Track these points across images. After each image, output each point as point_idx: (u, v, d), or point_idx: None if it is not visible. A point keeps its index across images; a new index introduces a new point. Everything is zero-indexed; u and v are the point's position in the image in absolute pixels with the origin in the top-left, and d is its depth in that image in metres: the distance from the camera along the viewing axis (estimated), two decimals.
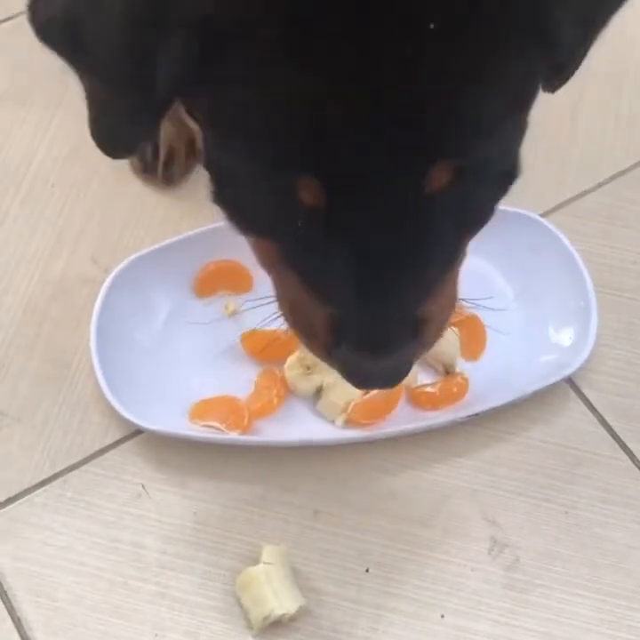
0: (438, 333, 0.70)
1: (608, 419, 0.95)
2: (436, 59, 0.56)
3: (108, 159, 1.04)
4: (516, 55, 0.58)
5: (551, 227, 0.99)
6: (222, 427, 0.90)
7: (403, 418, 0.93)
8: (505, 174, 0.67)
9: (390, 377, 0.68)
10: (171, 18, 0.57)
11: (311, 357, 0.92)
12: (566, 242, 0.98)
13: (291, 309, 0.70)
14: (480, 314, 0.97)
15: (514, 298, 0.99)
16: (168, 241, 0.98)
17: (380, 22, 0.55)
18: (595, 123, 1.11)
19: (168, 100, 0.61)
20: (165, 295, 0.97)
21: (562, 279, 0.98)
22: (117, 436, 0.92)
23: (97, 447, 0.91)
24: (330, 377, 0.92)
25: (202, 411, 0.92)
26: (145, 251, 0.97)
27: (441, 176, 0.59)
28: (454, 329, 0.95)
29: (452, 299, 0.70)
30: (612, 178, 1.08)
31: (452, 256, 0.67)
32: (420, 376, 0.95)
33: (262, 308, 0.96)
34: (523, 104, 0.62)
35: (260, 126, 0.58)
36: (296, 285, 0.66)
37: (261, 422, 0.92)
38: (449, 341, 0.95)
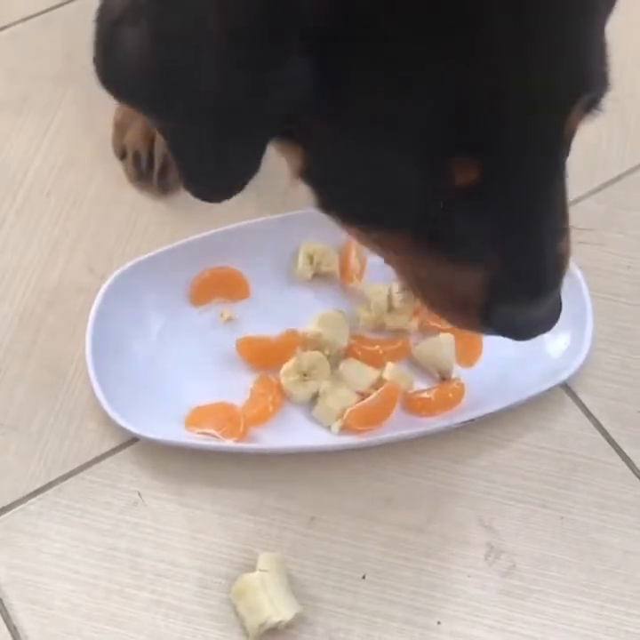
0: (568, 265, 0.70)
1: (604, 423, 0.95)
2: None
3: (103, 167, 1.06)
4: None
5: None
6: (218, 434, 0.90)
7: (398, 424, 0.93)
8: None
9: (553, 316, 0.69)
10: (283, 27, 0.53)
11: (307, 363, 0.93)
12: None
13: (433, 290, 0.69)
14: None
15: None
16: (163, 248, 0.98)
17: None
18: (588, 129, 1.10)
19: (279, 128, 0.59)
20: (161, 303, 0.97)
21: None
22: (113, 444, 0.92)
23: (93, 455, 0.91)
24: (325, 383, 0.92)
25: (197, 418, 0.92)
26: (140, 258, 0.97)
27: (580, 113, 0.63)
28: (450, 334, 0.95)
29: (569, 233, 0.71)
30: (606, 184, 1.08)
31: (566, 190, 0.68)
32: (415, 382, 0.95)
33: (258, 314, 0.98)
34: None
35: (411, 115, 0.56)
36: (436, 264, 0.65)
37: (257, 429, 0.92)
38: (444, 347, 0.95)
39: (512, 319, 0.68)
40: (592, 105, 0.64)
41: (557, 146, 0.64)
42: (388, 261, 0.71)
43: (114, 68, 0.60)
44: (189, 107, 0.57)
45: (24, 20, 1.13)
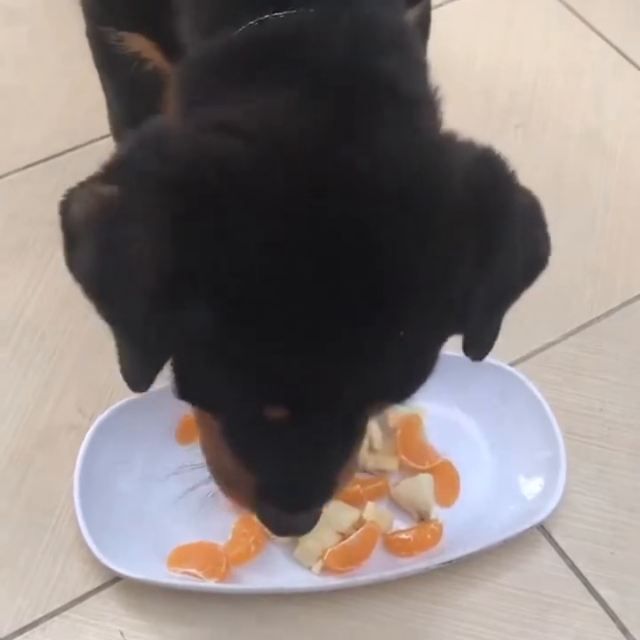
0: (341, 490, 0.82)
1: (579, 565, 0.96)
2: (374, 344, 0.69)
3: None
4: (438, 326, 0.73)
5: (520, 376, 1.03)
6: (200, 574, 0.92)
7: (379, 564, 0.95)
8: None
9: (305, 527, 0.82)
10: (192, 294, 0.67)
11: None
12: (535, 390, 1.02)
13: (221, 472, 0.82)
14: (453, 461, 1.00)
15: (485, 445, 1.02)
16: (151, 389, 1.01)
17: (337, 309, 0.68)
18: (561, 275, 1.16)
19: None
20: (147, 442, 0.99)
21: (531, 427, 1.01)
22: (97, 583, 0.93)
23: (77, 594, 0.92)
24: None
25: (180, 557, 0.93)
26: (129, 398, 1.00)
27: (375, 409, 0.76)
28: (429, 475, 0.98)
29: (355, 465, 0.83)
30: (578, 329, 1.13)
31: (357, 442, 0.79)
32: (395, 521, 0.97)
33: None
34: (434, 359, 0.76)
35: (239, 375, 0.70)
36: (229, 455, 0.78)
37: (239, 569, 0.93)
38: (423, 487, 0.98)
39: (275, 518, 0.80)
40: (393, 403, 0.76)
41: (350, 420, 0.75)
42: (201, 436, 0.83)
43: (72, 262, 0.73)
44: (112, 316, 0.72)
45: (25, 168, 1.19)
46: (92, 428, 0.97)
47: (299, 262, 0.66)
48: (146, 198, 0.67)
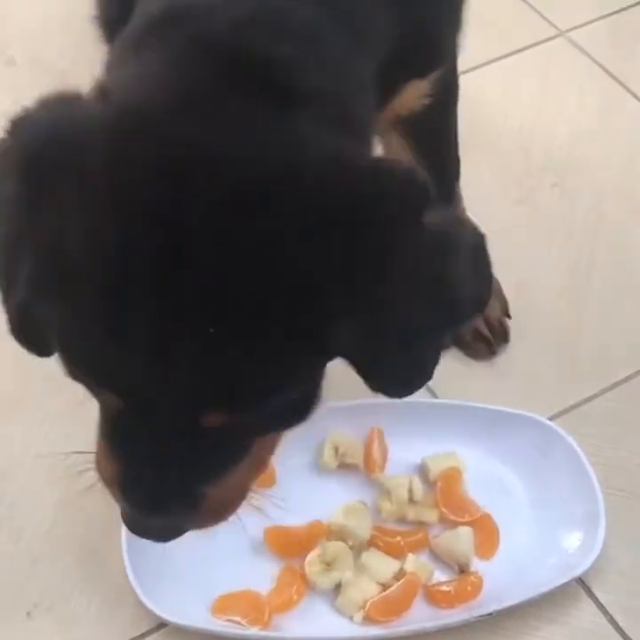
0: (217, 515, 0.79)
1: (618, 619, 0.97)
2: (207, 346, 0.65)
3: None
4: (287, 351, 0.67)
5: (559, 430, 1.05)
6: (244, 621, 0.94)
7: (419, 615, 0.96)
8: (290, 413, 0.75)
9: (158, 534, 0.78)
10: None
11: (331, 554, 0.97)
12: (574, 444, 1.03)
13: (98, 460, 0.78)
14: (493, 513, 1.01)
15: (525, 498, 1.03)
16: None
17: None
18: (601, 330, 1.18)
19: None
20: None
21: (571, 481, 1.02)
22: (143, 629, 0.95)
23: (125, 638, 0.94)
24: (348, 573, 0.96)
25: (224, 605, 0.95)
26: None
27: (213, 420, 0.69)
28: (468, 528, 0.99)
29: (235, 490, 0.79)
30: (618, 383, 1.14)
31: (240, 450, 0.75)
32: (435, 573, 0.98)
33: (285, 503, 1.02)
34: (294, 385, 0.71)
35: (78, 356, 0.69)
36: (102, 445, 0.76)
37: (281, 617, 0.95)
38: (463, 540, 0.99)
39: (132, 516, 0.76)
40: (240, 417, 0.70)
41: (191, 426, 0.70)
42: None
43: None
44: None
45: None
46: None
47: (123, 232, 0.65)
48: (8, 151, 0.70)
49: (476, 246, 0.75)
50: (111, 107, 0.69)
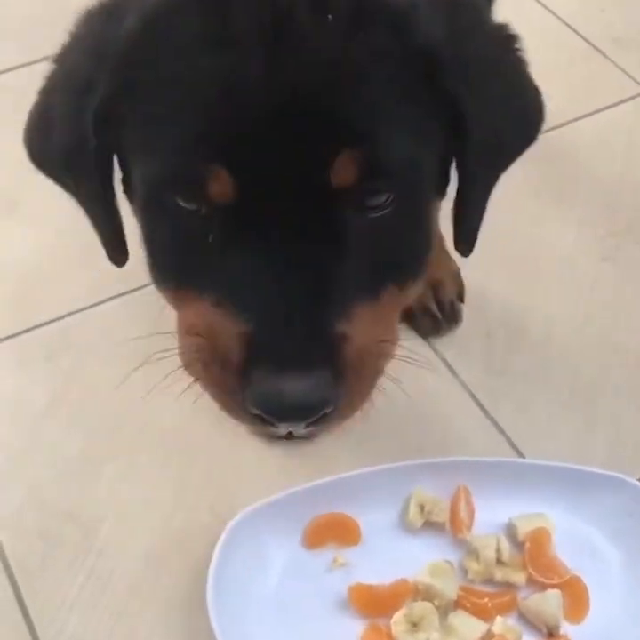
0: (360, 364, 0.69)
1: None
2: (335, 59, 0.66)
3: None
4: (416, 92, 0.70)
5: None
6: None
7: None
8: (415, 205, 0.74)
9: (304, 397, 0.66)
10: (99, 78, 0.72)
11: (417, 614, 0.95)
12: None
13: (199, 349, 0.71)
14: (582, 576, 0.99)
15: (615, 560, 1.01)
16: (281, 494, 1.03)
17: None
18: None
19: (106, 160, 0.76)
20: (277, 547, 1.01)
21: None
22: None
23: None
24: (435, 634, 0.94)
25: None
26: (260, 503, 1.02)
27: (345, 168, 0.66)
28: (557, 591, 0.97)
29: (384, 331, 0.72)
30: None
31: (368, 282, 0.70)
32: (523, 637, 0.96)
33: (368, 561, 1.01)
34: (421, 134, 0.72)
35: (173, 121, 0.67)
36: (204, 312, 0.70)
37: None
38: (552, 602, 0.97)
39: (264, 387, 0.66)
40: (370, 171, 0.67)
41: (323, 196, 0.66)
42: (178, 321, 0.76)
43: (32, 151, 0.83)
44: (54, 163, 0.80)
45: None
46: (225, 531, 0.99)
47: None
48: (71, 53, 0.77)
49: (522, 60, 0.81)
50: None
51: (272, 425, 0.69)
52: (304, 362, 0.66)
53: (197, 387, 0.72)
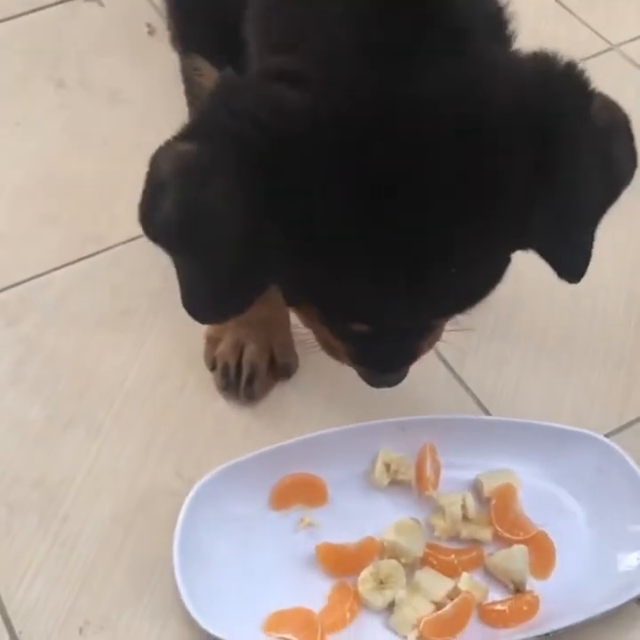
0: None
1: None
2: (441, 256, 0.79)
3: (194, 378, 1.13)
4: (501, 249, 0.83)
5: (616, 447, 1.03)
6: (296, 639, 0.93)
7: (474, 635, 0.94)
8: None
9: (390, 382, 0.95)
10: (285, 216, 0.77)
11: (384, 572, 0.95)
12: (631, 462, 1.01)
13: (324, 344, 0.94)
14: (549, 532, 1.00)
15: (581, 517, 1.01)
16: (248, 455, 1.03)
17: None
18: None
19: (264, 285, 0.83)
20: (244, 508, 1.01)
21: (628, 499, 1.00)
22: None
23: None
24: (402, 592, 0.95)
25: (276, 622, 0.94)
26: (226, 464, 1.02)
27: (441, 322, 0.91)
28: (523, 546, 0.98)
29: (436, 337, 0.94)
30: None
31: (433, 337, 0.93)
32: (490, 593, 0.97)
33: (336, 520, 1.01)
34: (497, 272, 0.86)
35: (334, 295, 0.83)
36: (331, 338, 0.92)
37: (334, 636, 0.94)
38: (518, 558, 0.97)
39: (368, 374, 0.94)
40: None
41: (419, 331, 0.90)
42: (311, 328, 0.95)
43: (152, 222, 0.81)
44: (192, 260, 0.82)
45: (126, 241, 1.24)
46: (191, 493, 0.99)
47: (363, 199, 0.76)
48: (220, 152, 0.76)
49: (626, 126, 0.84)
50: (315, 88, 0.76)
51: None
52: (396, 370, 0.94)
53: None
